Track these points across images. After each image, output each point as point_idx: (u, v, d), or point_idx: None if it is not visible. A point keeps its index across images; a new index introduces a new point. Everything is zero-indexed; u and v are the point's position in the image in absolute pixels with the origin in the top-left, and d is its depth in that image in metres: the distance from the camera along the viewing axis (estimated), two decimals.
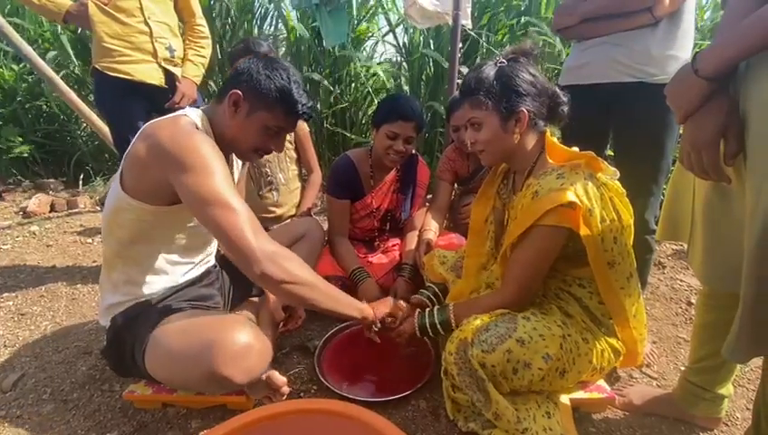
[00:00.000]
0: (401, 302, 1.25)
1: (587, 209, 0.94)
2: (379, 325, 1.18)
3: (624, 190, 1.03)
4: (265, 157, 1.92)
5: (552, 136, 1.09)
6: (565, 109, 1.09)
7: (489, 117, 1.04)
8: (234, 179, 1.23)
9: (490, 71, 1.05)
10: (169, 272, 1.12)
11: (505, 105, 1.03)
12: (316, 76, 3.18)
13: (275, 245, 0.95)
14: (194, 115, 1.04)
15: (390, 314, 1.20)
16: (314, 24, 3.18)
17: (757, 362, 1.33)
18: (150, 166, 0.97)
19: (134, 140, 1.01)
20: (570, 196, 0.93)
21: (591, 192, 0.95)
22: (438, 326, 1.12)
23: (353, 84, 3.46)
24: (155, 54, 1.76)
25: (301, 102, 1.05)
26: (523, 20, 3.18)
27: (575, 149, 1.04)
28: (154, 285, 1.10)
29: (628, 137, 1.40)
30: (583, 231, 0.94)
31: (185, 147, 0.93)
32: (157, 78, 1.77)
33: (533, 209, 0.97)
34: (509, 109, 1.03)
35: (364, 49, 3.69)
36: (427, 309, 1.18)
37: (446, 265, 1.43)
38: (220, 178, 0.94)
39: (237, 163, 1.28)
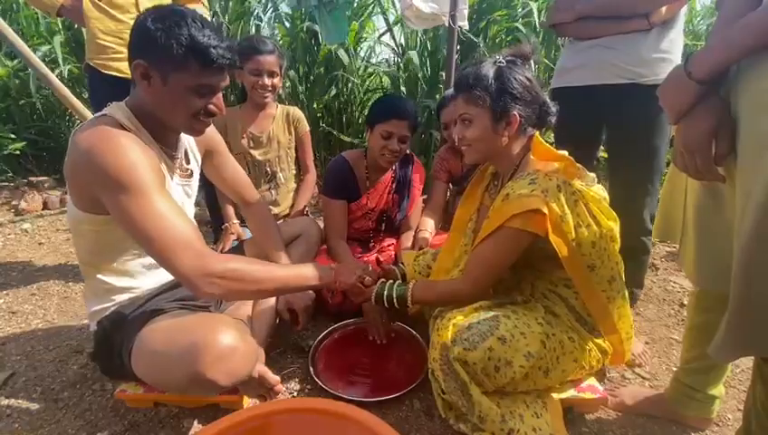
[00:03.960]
0: (372, 270, 1.27)
1: (558, 216, 0.95)
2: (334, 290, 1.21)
3: (602, 196, 1.04)
4: (267, 155, 1.92)
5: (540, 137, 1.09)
6: (553, 119, 1.10)
7: (481, 114, 1.05)
8: (195, 173, 1.17)
9: (489, 69, 1.05)
10: (148, 275, 1.09)
11: (499, 105, 1.03)
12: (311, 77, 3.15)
13: (210, 256, 0.91)
14: (116, 111, 0.96)
15: (360, 279, 1.20)
16: (309, 24, 3.17)
17: (748, 363, 1.34)
18: (77, 180, 0.93)
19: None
20: (537, 203, 0.94)
21: (563, 199, 0.96)
22: (394, 300, 1.15)
23: (349, 84, 3.46)
24: None
25: (212, 46, 0.90)
26: (513, 25, 3.20)
27: (564, 152, 1.05)
28: (135, 290, 1.08)
29: (621, 137, 1.41)
30: (552, 236, 0.96)
31: (107, 161, 0.86)
32: None
33: (503, 211, 0.99)
34: (502, 109, 1.03)
35: (361, 49, 3.69)
36: (389, 281, 1.20)
37: (426, 256, 1.43)
38: (147, 192, 0.87)
39: (195, 155, 1.19)
